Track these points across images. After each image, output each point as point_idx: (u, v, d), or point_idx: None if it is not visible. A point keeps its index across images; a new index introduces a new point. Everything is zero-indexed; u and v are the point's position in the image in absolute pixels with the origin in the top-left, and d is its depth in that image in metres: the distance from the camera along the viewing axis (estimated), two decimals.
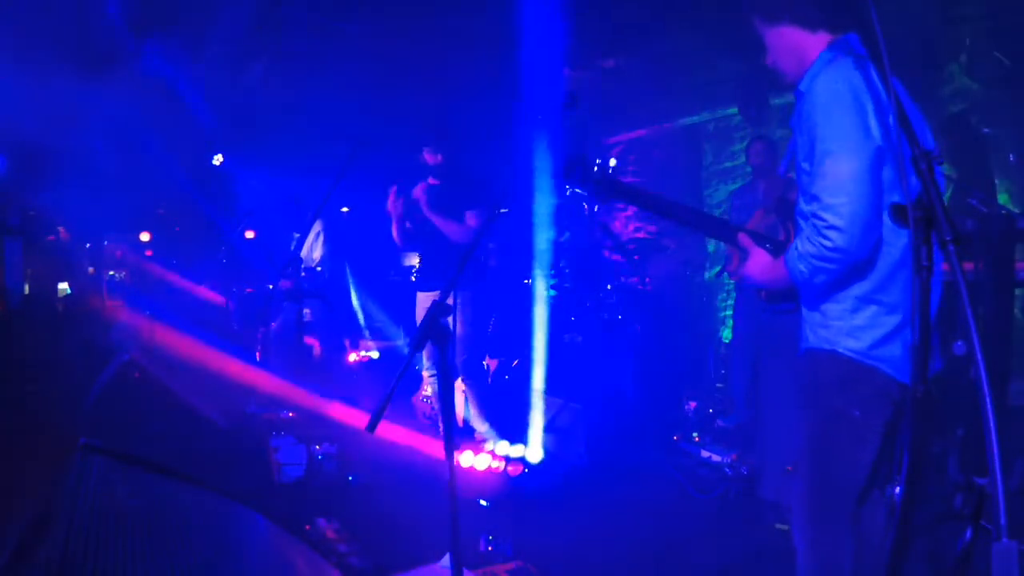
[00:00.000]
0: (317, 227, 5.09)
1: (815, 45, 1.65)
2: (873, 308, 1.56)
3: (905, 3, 4.15)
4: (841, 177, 1.46)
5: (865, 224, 1.46)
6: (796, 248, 1.56)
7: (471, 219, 3.70)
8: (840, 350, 1.59)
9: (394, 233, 4.03)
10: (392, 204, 3.83)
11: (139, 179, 6.69)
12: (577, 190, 1.88)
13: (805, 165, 1.60)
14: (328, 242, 5.07)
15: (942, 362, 1.72)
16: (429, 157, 3.84)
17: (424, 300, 3.97)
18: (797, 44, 1.69)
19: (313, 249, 5.05)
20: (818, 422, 1.66)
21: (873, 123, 1.48)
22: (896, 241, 1.52)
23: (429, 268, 4.00)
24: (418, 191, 3.78)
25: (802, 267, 1.54)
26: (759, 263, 1.72)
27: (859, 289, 1.56)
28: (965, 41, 4.52)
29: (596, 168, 1.79)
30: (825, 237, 1.46)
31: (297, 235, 3.67)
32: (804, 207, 1.60)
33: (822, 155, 1.50)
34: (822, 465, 1.66)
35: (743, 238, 1.78)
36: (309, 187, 5.36)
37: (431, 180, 3.87)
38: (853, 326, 1.57)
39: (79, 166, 5.89)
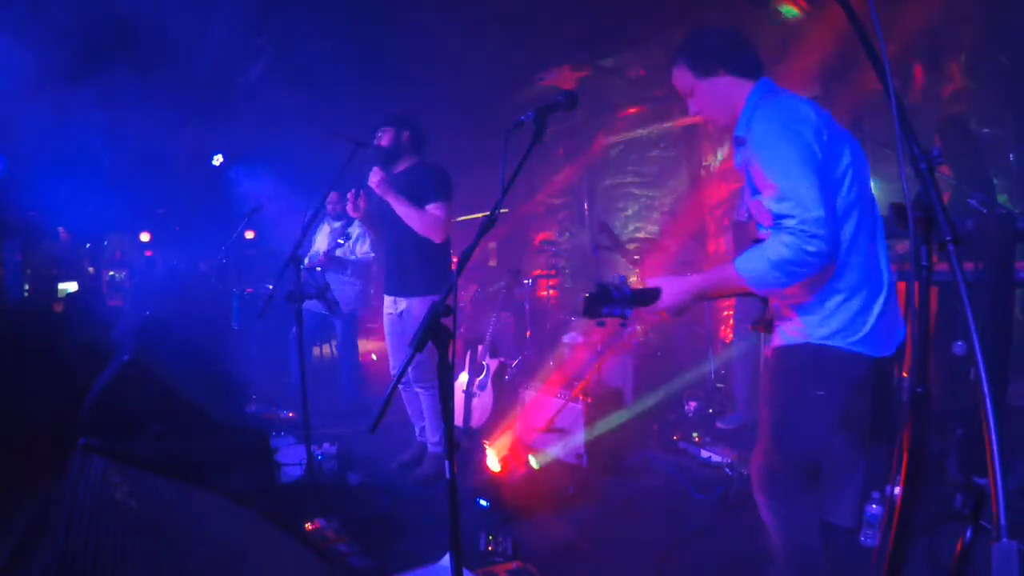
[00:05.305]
0: (357, 228, 5.03)
1: (742, 92, 1.88)
2: (838, 296, 1.75)
3: (905, 3, 4.15)
4: (807, 195, 1.63)
5: (835, 229, 1.66)
6: (764, 260, 1.67)
7: (436, 210, 3.29)
8: (812, 340, 1.78)
9: None
10: (352, 207, 3.43)
11: (139, 179, 6.69)
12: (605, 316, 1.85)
13: (759, 197, 1.75)
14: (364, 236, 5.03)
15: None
16: (387, 139, 3.46)
17: (389, 305, 3.58)
18: (728, 93, 1.90)
19: (359, 244, 5.02)
20: (784, 404, 1.86)
21: (813, 143, 1.67)
22: (843, 234, 1.73)
23: (390, 270, 3.56)
24: (373, 176, 3.32)
25: (777, 274, 1.66)
26: (676, 288, 1.86)
27: (822, 283, 1.74)
28: (965, 41, 4.52)
29: (617, 291, 1.85)
30: (809, 243, 1.62)
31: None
32: (763, 230, 1.78)
33: (782, 181, 1.66)
34: (787, 442, 1.85)
35: (651, 281, 1.93)
36: (309, 187, 5.37)
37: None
38: (823, 316, 1.77)
39: (79, 166, 5.89)
